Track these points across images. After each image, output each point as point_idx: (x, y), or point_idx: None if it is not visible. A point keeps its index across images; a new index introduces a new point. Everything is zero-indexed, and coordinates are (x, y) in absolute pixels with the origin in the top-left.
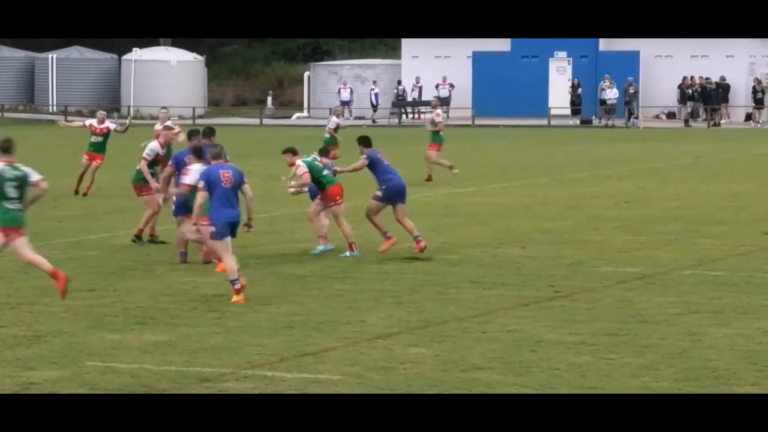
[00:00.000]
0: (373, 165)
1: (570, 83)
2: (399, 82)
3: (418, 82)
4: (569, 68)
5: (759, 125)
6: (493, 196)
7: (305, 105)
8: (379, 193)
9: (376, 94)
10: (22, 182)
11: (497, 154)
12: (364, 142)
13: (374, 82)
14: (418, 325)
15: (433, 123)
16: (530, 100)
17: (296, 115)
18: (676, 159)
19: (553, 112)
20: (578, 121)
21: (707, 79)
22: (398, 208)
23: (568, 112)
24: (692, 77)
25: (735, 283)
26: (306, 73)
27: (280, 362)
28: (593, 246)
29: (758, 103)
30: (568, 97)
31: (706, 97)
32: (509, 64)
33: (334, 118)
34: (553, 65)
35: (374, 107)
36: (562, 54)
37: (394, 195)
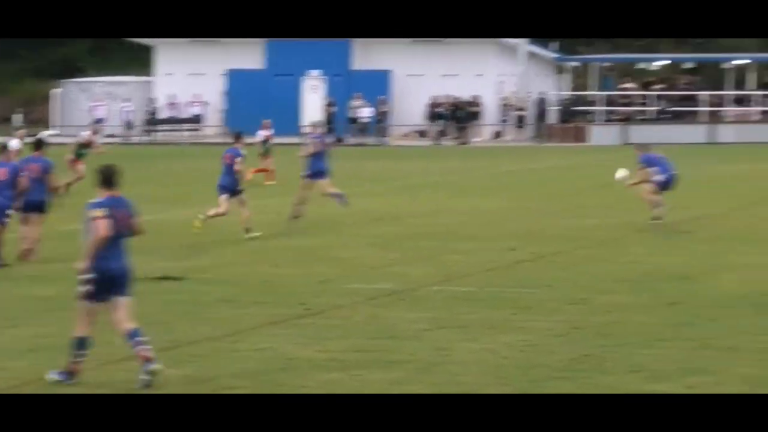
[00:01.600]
0: None
1: (324, 101)
2: (152, 100)
3: (171, 100)
4: (322, 86)
5: (507, 143)
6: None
7: (55, 122)
8: None
9: (129, 112)
10: None
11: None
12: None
13: (126, 100)
14: (168, 346)
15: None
16: (284, 119)
17: (46, 132)
18: (427, 176)
19: (306, 130)
20: (333, 140)
21: (457, 98)
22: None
23: None
24: (444, 96)
25: (482, 299)
26: (55, 90)
27: (24, 385)
28: (345, 263)
29: (507, 121)
30: (323, 116)
31: (457, 116)
32: (263, 82)
33: (261, 131)
34: (307, 83)
35: (127, 125)
36: (316, 72)
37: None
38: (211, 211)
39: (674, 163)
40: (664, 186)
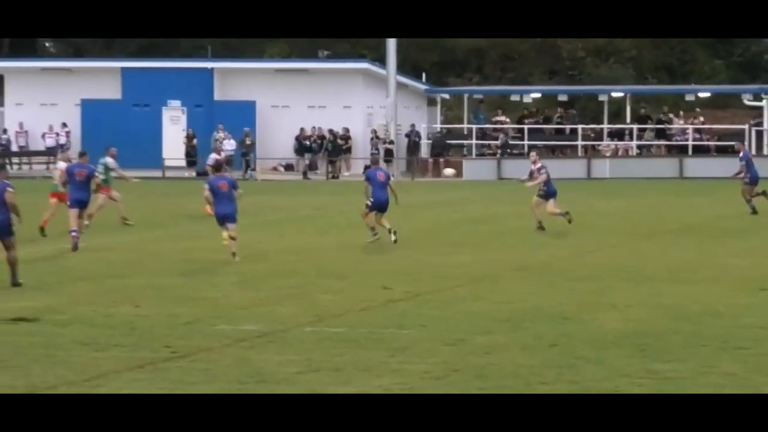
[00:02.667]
0: None
1: (185, 133)
2: (4, 131)
3: (22, 129)
4: (183, 117)
5: None
6: (101, 251)
7: None
8: None
9: None
10: None
11: (105, 206)
12: None
13: None
14: (23, 391)
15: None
16: (143, 150)
17: None
18: (294, 211)
19: (167, 163)
20: (194, 173)
21: (330, 130)
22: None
23: (183, 163)
24: (312, 127)
25: (355, 339)
26: None
27: None
28: (210, 303)
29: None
30: (183, 148)
31: (326, 149)
32: (120, 113)
33: (213, 155)
34: (167, 114)
35: None
36: (176, 103)
37: None
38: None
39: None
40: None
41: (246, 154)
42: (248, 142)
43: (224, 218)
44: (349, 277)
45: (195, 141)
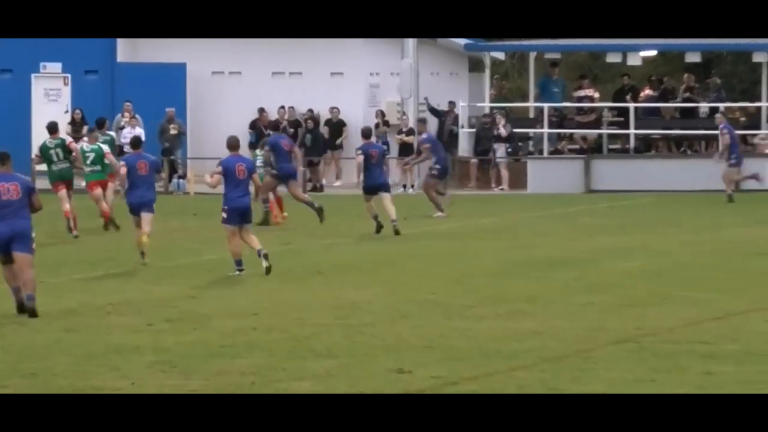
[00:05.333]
0: None
1: (68, 116)
2: None
3: None
4: (66, 90)
5: None
6: None
7: None
8: None
9: None
10: None
11: None
12: None
13: None
14: None
15: None
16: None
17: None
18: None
19: (40, 167)
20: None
21: (308, 112)
22: None
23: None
24: (280, 108)
25: None
26: None
27: None
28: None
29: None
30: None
31: (304, 142)
32: None
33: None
34: (39, 85)
35: None
36: (55, 67)
37: None
38: None
39: None
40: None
41: (169, 152)
42: (173, 131)
43: (140, 206)
44: (342, 352)
45: (85, 129)
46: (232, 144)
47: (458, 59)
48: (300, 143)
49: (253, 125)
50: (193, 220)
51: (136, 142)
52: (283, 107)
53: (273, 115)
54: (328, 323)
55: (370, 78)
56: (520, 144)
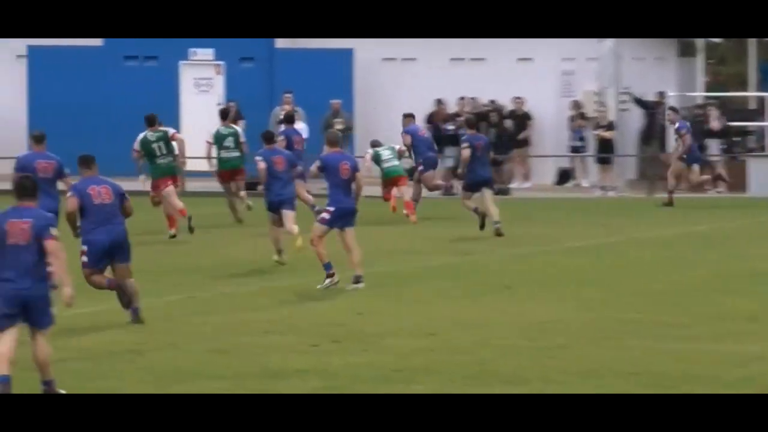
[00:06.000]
0: None
1: (221, 108)
2: None
3: None
4: (220, 81)
5: (585, 193)
6: None
7: None
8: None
9: None
10: None
11: None
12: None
13: None
14: None
15: None
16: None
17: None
18: (436, 254)
19: (190, 165)
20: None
21: (490, 103)
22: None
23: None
24: (460, 99)
25: None
26: None
27: None
28: None
29: (585, 149)
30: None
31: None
32: (100, 71)
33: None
34: (188, 74)
35: None
36: (206, 53)
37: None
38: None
39: None
40: None
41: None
42: (339, 126)
43: (280, 204)
44: (532, 378)
45: (242, 124)
46: (332, 140)
47: (665, 42)
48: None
49: (430, 119)
50: (360, 226)
51: (269, 136)
52: (462, 98)
53: (451, 107)
54: (515, 344)
55: (562, 64)
56: (736, 139)
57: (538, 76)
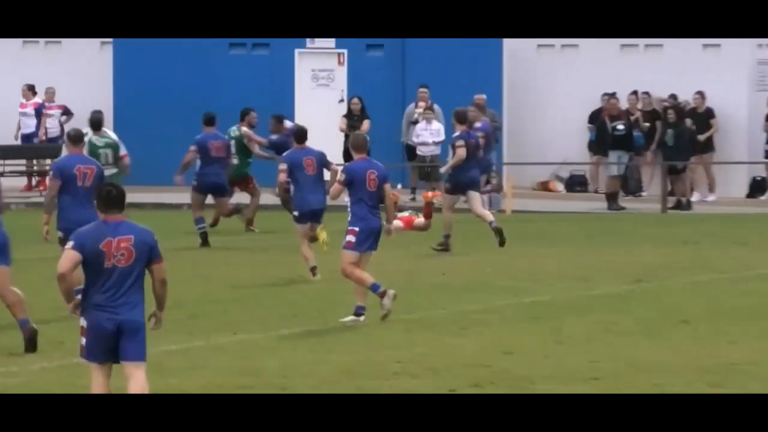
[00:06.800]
0: None
1: (344, 104)
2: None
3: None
4: (342, 71)
5: None
6: None
7: None
8: None
9: None
10: None
11: None
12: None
13: None
14: None
15: None
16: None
17: None
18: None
19: None
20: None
21: (671, 98)
22: None
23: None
24: (632, 93)
25: None
26: None
27: None
28: None
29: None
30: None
31: (665, 141)
32: (207, 60)
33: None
34: (304, 64)
35: None
36: (326, 41)
37: None
38: None
39: None
40: None
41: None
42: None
43: (313, 215)
44: None
45: (366, 124)
46: (360, 145)
47: None
48: (659, 142)
49: (594, 118)
50: (511, 247)
51: (301, 134)
52: (634, 93)
53: (620, 102)
54: (698, 391)
55: (758, 51)
56: None
57: (726, 65)
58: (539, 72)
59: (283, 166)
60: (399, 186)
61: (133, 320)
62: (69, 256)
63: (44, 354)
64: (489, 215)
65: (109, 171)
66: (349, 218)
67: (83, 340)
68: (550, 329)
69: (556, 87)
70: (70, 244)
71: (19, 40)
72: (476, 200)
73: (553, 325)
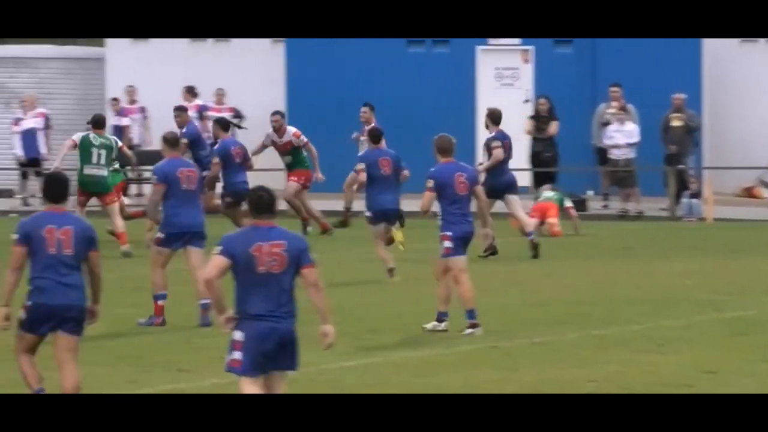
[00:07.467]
0: None
1: (528, 105)
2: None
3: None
4: (528, 69)
5: None
6: None
7: None
8: None
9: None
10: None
11: None
12: None
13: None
14: None
15: None
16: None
17: None
18: None
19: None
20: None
21: None
22: None
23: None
24: None
25: None
26: None
27: None
28: None
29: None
30: (529, 147)
31: None
32: (385, 60)
33: None
34: (486, 61)
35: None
36: (511, 40)
37: None
38: None
39: None
40: None
41: (676, 159)
42: (677, 123)
43: (386, 215)
44: None
45: (554, 126)
46: (445, 147)
47: None
48: None
49: None
50: (713, 257)
51: (376, 134)
52: None
53: None
54: None
55: None
56: None
57: None
58: (741, 70)
59: (360, 166)
60: (591, 192)
61: (292, 330)
62: (216, 262)
63: (213, 369)
64: (531, 224)
65: (99, 171)
66: (440, 224)
67: (236, 354)
68: (756, 346)
69: (760, 85)
70: (217, 249)
71: (185, 39)
72: (516, 204)
73: (759, 342)
